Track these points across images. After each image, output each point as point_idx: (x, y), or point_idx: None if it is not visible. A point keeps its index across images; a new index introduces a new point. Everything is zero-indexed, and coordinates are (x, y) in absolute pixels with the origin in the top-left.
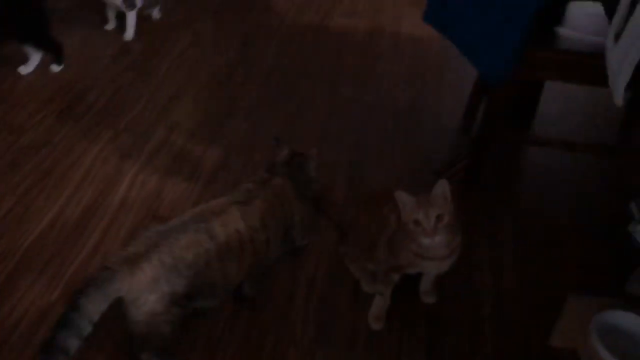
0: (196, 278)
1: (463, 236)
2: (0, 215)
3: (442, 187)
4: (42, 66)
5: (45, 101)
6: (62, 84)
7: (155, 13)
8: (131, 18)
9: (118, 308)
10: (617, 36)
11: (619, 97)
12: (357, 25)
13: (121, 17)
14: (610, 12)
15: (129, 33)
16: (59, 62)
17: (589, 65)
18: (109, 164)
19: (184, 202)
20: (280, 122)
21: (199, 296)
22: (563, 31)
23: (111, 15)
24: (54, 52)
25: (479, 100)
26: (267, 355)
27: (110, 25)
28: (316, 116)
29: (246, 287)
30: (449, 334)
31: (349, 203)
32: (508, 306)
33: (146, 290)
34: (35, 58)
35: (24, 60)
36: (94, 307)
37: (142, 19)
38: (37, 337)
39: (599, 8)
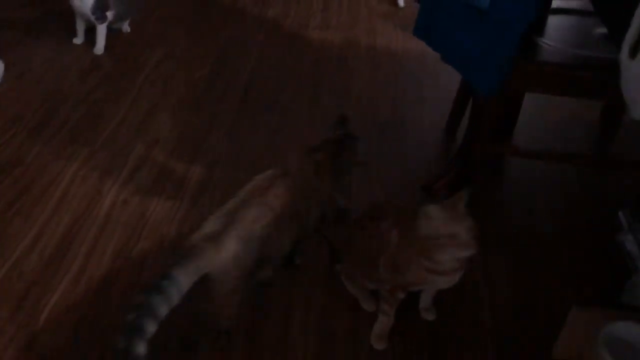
0: (260, 251)
1: None
2: None
3: (463, 200)
4: (9, 81)
5: (13, 118)
6: (31, 101)
7: (125, 27)
8: (102, 31)
9: None
10: (633, 50)
11: (638, 111)
12: (333, 38)
13: (90, 31)
14: (613, 25)
15: (100, 46)
16: None
17: (573, 77)
18: (87, 184)
19: (170, 221)
20: (262, 137)
21: (257, 270)
22: (544, 42)
23: (80, 28)
24: None
25: (462, 111)
26: None
27: (79, 39)
28: (298, 130)
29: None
30: (452, 349)
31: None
32: (506, 319)
33: (230, 266)
34: None
35: None
36: (185, 278)
37: (112, 33)
38: None
39: (579, 20)
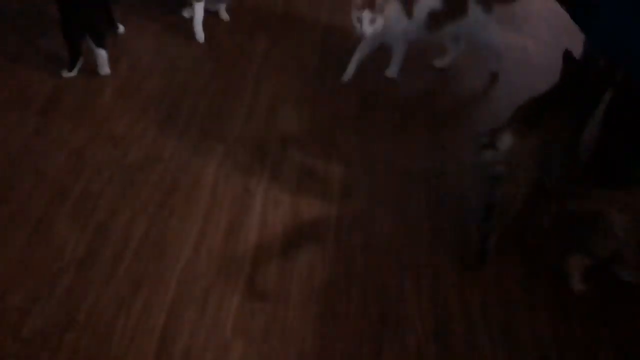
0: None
1: None
2: (136, 238)
3: None
4: (122, 73)
5: (139, 111)
6: (150, 92)
7: (224, 14)
8: (199, 13)
9: None
10: None
11: None
12: None
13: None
14: None
15: (199, 34)
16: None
17: None
18: (233, 182)
19: (325, 220)
20: (389, 135)
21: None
22: None
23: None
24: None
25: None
26: None
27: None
28: (421, 127)
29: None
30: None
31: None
32: None
33: (528, 157)
34: (101, 55)
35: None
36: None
37: (209, 21)
38: None
39: None
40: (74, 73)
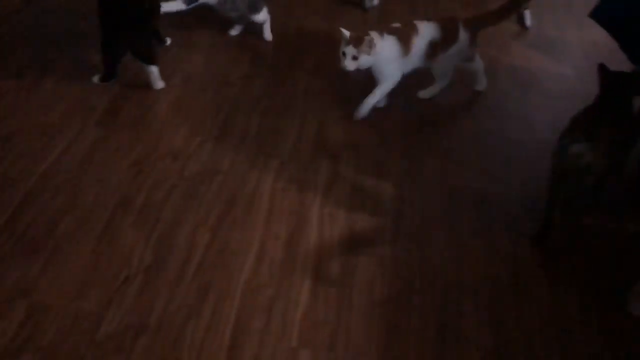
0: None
1: None
2: (200, 247)
3: None
4: (176, 88)
5: (194, 125)
6: (204, 107)
7: (267, 34)
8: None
9: None
10: None
11: None
12: None
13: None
14: None
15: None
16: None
17: None
18: (289, 196)
19: (380, 236)
20: (436, 153)
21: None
22: None
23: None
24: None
25: None
26: None
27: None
28: (466, 151)
29: None
30: None
31: None
32: None
33: (600, 159)
34: (153, 71)
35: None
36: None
37: (255, 40)
38: None
39: None
40: (103, 83)
